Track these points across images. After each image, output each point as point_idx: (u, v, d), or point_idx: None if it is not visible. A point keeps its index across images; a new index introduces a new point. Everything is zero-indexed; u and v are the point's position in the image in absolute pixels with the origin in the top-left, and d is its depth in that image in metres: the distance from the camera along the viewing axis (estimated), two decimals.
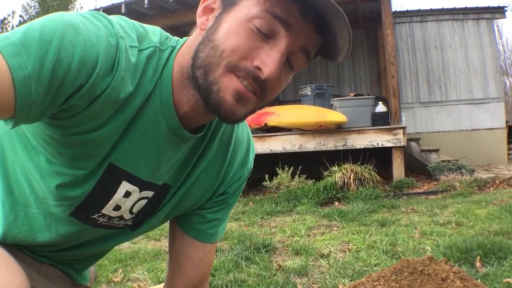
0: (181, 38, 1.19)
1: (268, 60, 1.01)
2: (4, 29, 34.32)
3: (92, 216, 1.25)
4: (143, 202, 1.29)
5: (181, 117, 1.14)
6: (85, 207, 1.21)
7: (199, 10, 1.12)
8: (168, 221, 1.54)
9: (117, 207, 1.25)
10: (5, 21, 35.42)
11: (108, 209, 1.24)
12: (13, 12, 47.74)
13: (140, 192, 1.24)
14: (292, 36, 1.02)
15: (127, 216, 1.30)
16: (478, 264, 3.16)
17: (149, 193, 1.27)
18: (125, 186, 1.20)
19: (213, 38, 1.03)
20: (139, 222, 1.39)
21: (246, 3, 1.02)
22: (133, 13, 10.20)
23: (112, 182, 1.18)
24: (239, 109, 1.06)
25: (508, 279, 2.79)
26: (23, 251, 1.30)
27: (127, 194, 1.23)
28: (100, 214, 1.25)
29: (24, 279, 1.01)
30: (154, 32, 1.13)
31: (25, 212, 1.22)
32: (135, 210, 1.30)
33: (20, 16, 35.04)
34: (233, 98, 1.03)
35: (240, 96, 1.03)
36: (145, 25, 1.14)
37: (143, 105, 1.08)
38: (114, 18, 1.05)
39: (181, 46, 1.14)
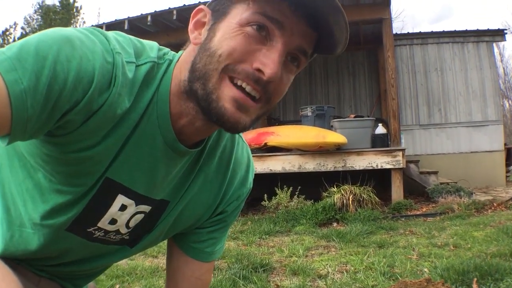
0: None
1: (267, 61, 1.00)
2: (6, 41, 34.33)
3: (88, 230, 1.24)
4: (140, 216, 1.28)
5: (177, 132, 1.13)
6: (81, 220, 1.20)
7: (191, 25, 1.12)
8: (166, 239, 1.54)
9: (113, 221, 1.24)
10: (7, 33, 35.42)
11: (104, 223, 1.23)
12: (15, 24, 47.58)
13: (136, 206, 1.23)
14: (287, 35, 1.02)
15: (124, 230, 1.29)
16: (475, 286, 3.17)
17: (146, 208, 1.26)
18: (120, 200, 1.19)
19: (208, 47, 1.03)
20: (137, 238, 1.37)
21: (236, 10, 1.03)
22: (136, 30, 10.26)
23: (108, 195, 1.17)
24: (243, 117, 1.04)
25: None
26: (22, 264, 1.30)
27: (123, 208, 1.22)
28: (96, 227, 1.24)
29: None
30: (152, 47, 1.12)
31: (20, 232, 1.22)
32: (131, 224, 1.29)
33: (22, 28, 35.00)
34: (232, 107, 1.02)
35: (240, 104, 1.02)
36: (142, 40, 1.14)
37: (140, 119, 1.08)
38: (110, 33, 1.04)
39: (177, 60, 1.14)
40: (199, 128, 1.13)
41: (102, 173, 1.11)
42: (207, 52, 1.03)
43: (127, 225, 1.28)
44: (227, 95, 1.02)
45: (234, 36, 1.01)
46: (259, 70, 1.00)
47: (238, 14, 1.02)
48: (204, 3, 1.14)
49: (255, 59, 1.01)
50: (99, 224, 1.24)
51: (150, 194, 1.24)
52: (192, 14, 1.11)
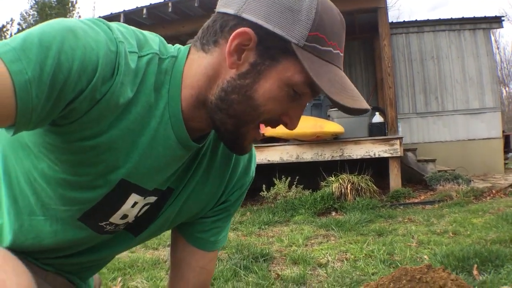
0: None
1: (294, 118, 1.13)
2: (3, 37, 34.30)
3: (100, 224, 1.26)
4: (147, 206, 1.30)
5: (187, 130, 1.16)
6: (93, 215, 1.22)
7: (231, 47, 1.04)
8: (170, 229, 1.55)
9: (124, 216, 1.27)
10: (4, 29, 35.40)
11: (116, 218, 1.26)
12: (11, 20, 47.46)
13: (145, 199, 1.26)
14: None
15: (131, 220, 1.32)
16: (475, 272, 3.18)
17: (152, 199, 1.28)
18: (133, 198, 1.22)
19: (251, 96, 1.06)
20: (142, 226, 1.39)
21: (288, 63, 1.04)
22: (132, 23, 10.18)
23: (122, 195, 1.19)
24: (250, 147, 1.23)
25: (504, 287, 2.81)
26: (29, 259, 1.30)
27: (134, 204, 1.24)
28: (108, 222, 1.26)
29: (31, 281, 1.01)
30: (154, 40, 1.13)
31: (29, 221, 1.22)
32: (139, 214, 1.31)
33: (19, 24, 35.02)
34: (250, 143, 1.19)
35: (255, 140, 1.19)
36: (144, 32, 1.14)
37: (150, 118, 1.09)
38: (113, 24, 1.05)
39: (185, 59, 1.13)
40: (206, 129, 1.21)
41: (111, 169, 1.12)
42: (249, 101, 1.07)
43: (135, 216, 1.31)
44: (252, 136, 1.16)
45: (279, 98, 1.07)
46: (285, 122, 1.14)
47: (289, 70, 1.04)
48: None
49: (285, 113, 1.12)
50: (111, 220, 1.27)
51: (159, 187, 1.26)
52: (234, 34, 1.03)
